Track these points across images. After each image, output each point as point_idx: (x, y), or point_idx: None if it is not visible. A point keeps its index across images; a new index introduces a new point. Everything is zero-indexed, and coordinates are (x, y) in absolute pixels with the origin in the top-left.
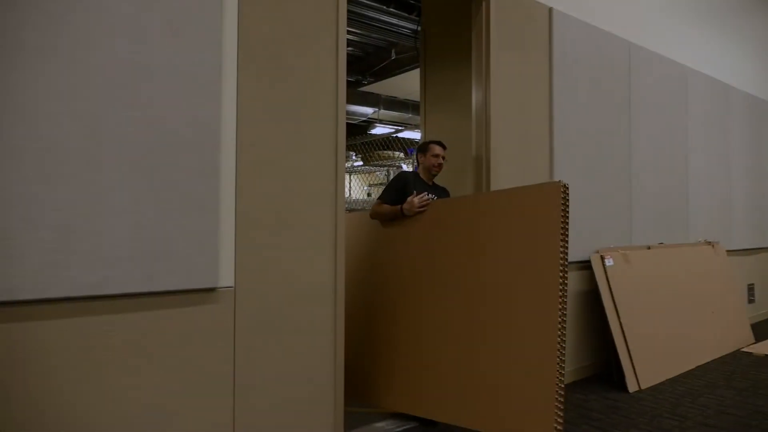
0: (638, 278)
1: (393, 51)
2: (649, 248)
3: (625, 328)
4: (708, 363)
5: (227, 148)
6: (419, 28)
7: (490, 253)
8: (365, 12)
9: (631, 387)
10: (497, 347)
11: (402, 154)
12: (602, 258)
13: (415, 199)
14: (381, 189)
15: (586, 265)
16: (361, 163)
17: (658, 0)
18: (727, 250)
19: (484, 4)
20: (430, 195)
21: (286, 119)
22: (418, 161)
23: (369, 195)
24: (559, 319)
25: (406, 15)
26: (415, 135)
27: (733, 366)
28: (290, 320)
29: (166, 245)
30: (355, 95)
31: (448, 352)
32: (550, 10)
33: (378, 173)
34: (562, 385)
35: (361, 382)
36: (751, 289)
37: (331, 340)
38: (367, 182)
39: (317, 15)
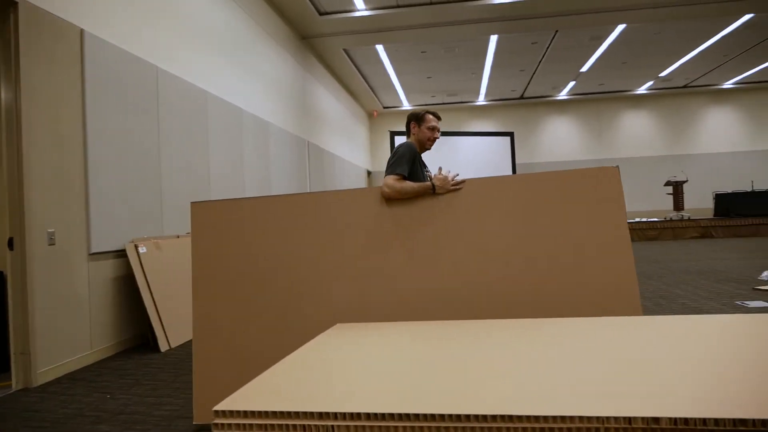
0: (169, 262)
1: None
2: (178, 237)
3: (157, 303)
4: None
5: None
6: None
7: (555, 223)
8: None
9: (163, 347)
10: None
11: None
12: (136, 246)
13: (449, 176)
14: None
15: (122, 254)
16: None
17: (183, 33)
18: None
19: (12, 16)
20: (451, 172)
21: None
22: (409, 131)
23: None
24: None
25: None
26: None
27: None
28: None
29: None
30: None
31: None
32: (82, 31)
33: None
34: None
35: None
36: None
37: None
38: None
39: None
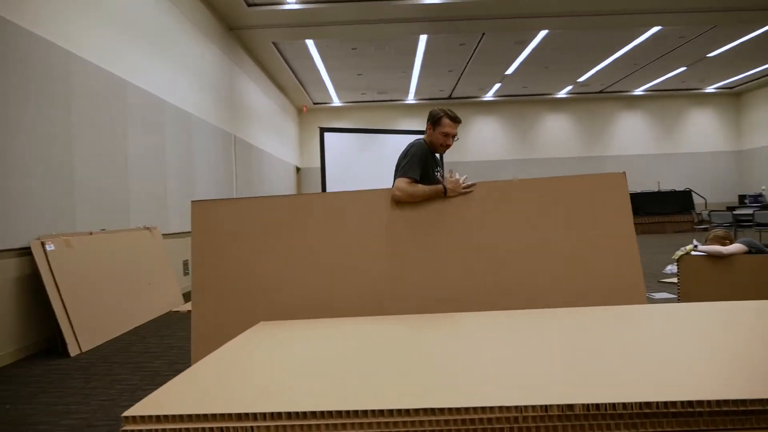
0: (81, 260)
1: None
2: (91, 234)
3: (66, 305)
4: (144, 323)
5: None
6: None
7: (565, 224)
8: None
9: (73, 352)
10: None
11: None
12: (43, 244)
13: (461, 179)
14: None
15: (27, 252)
16: None
17: (100, 18)
18: (164, 234)
19: None
20: (462, 176)
21: None
22: (426, 129)
23: None
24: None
25: None
26: None
27: (162, 323)
28: None
29: None
30: None
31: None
32: None
33: None
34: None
35: None
36: (186, 264)
37: None
38: None
39: None
